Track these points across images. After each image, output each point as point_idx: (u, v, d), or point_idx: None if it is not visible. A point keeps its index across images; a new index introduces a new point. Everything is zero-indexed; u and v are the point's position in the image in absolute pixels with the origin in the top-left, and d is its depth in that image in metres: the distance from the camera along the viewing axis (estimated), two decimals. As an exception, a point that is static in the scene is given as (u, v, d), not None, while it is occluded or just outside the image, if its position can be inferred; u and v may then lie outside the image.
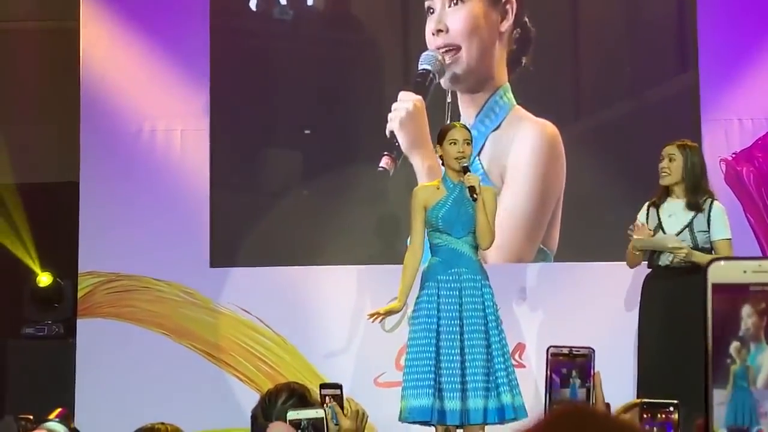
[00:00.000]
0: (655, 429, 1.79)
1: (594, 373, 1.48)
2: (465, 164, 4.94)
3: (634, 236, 5.03)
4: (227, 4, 6.50)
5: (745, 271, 0.87)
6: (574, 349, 1.49)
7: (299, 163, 6.39)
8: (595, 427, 0.59)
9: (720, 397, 0.86)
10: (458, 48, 6.23)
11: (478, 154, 6.10)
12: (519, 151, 6.15)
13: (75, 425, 5.68)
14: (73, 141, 6.32)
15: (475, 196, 4.85)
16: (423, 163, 6.13)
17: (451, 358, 4.86)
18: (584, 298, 5.98)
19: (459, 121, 5.98)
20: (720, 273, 0.88)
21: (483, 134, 6.17)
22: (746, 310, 0.86)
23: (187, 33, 6.39)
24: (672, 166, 5.06)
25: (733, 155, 5.72)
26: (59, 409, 2.89)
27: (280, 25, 6.43)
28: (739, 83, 6.10)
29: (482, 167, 6.12)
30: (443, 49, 6.23)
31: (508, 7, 6.26)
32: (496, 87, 6.25)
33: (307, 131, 6.29)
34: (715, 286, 0.87)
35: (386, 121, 6.23)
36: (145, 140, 6.34)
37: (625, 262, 5.25)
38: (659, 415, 1.79)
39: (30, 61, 6.91)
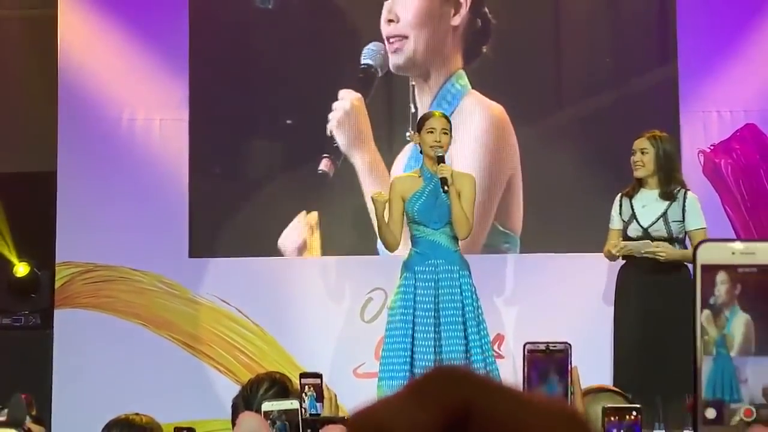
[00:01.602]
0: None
1: (571, 369, 1.48)
2: (440, 154, 4.94)
3: (614, 251, 5.05)
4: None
5: (733, 252, 0.87)
6: (550, 344, 1.48)
7: (278, 154, 6.37)
8: (471, 384, 0.57)
9: (707, 364, 0.87)
10: (406, 37, 6.22)
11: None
12: (462, 135, 6.14)
13: (49, 414, 5.65)
14: (51, 130, 6.28)
15: (445, 188, 4.85)
16: (363, 161, 6.12)
17: (425, 350, 4.88)
18: (564, 288, 5.98)
19: (416, 109, 6.01)
20: (709, 254, 0.88)
21: None
22: (720, 276, 0.86)
23: (166, 21, 6.36)
24: (645, 159, 5.10)
25: (711, 147, 5.74)
26: (22, 396, 2.87)
27: (260, 14, 6.40)
28: (718, 75, 6.11)
29: None
30: (393, 39, 6.21)
31: (461, 0, 6.24)
32: (448, 74, 6.23)
33: (288, 121, 6.26)
34: (704, 267, 0.87)
35: (368, 108, 6.22)
36: (123, 130, 6.30)
37: (603, 253, 5.29)
38: (627, 417, 1.80)
39: (7, 49, 6.84)
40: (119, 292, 6.20)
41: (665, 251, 4.96)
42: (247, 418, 1.69)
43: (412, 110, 6.13)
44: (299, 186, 6.25)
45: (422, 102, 6.20)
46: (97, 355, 6.06)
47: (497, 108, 6.17)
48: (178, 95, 6.31)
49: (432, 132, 4.95)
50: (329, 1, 6.45)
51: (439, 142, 4.93)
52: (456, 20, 6.23)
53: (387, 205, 5.03)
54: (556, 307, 5.94)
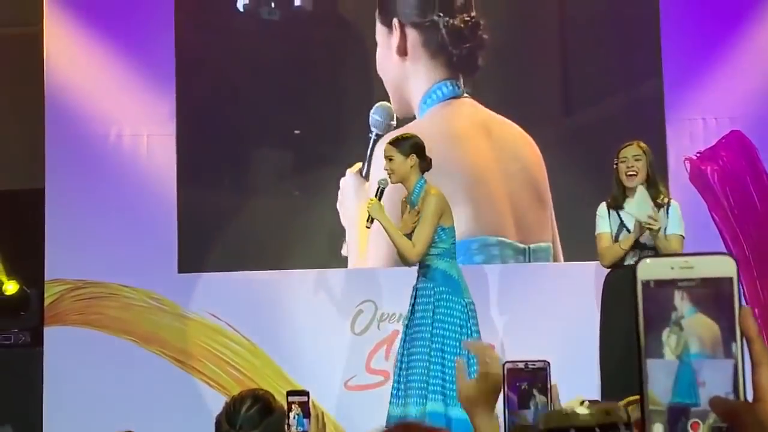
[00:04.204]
0: None
1: (551, 386, 1.49)
2: (382, 186, 5.06)
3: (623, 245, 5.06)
4: (192, 9, 6.46)
5: (672, 268, 0.89)
6: (529, 363, 1.49)
7: (266, 168, 6.37)
8: None
9: (659, 368, 0.88)
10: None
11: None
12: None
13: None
14: (39, 147, 6.28)
15: (367, 224, 4.99)
16: (354, 241, 6.13)
17: (399, 365, 4.94)
18: (557, 298, 5.97)
19: None
20: (648, 271, 0.90)
21: None
22: (678, 293, 0.89)
23: (152, 37, 6.36)
24: (638, 165, 5.13)
25: (698, 154, 5.75)
26: None
27: (248, 27, 6.41)
28: (703, 83, 6.14)
29: None
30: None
31: (395, 24, 6.23)
32: (421, 95, 6.22)
33: (297, 131, 6.27)
34: (644, 283, 0.89)
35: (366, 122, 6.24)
36: (111, 146, 6.30)
37: (595, 262, 5.30)
38: None
39: (-7, 67, 6.85)
40: (109, 309, 6.19)
41: (659, 226, 4.98)
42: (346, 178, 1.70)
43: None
44: (287, 200, 6.25)
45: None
46: (88, 372, 6.05)
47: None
48: (165, 110, 6.31)
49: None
50: (320, 13, 6.46)
51: (387, 170, 5.02)
52: (394, 48, 6.22)
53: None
54: (549, 316, 5.93)
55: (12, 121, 6.81)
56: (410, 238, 4.98)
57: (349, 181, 6.14)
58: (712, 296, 0.87)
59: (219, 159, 6.33)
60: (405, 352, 4.93)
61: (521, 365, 1.47)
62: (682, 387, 0.88)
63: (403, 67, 6.22)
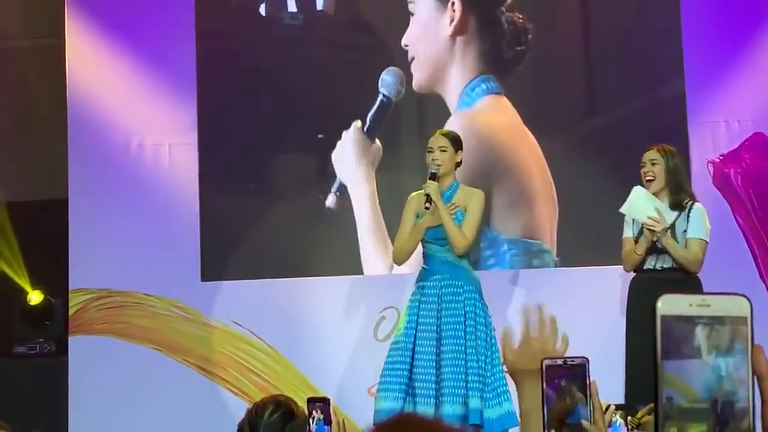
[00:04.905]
0: None
1: (590, 383, 1.48)
2: (433, 171, 4.98)
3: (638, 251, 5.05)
4: (213, 16, 6.49)
5: (690, 305, 0.95)
6: (568, 359, 1.49)
7: (287, 174, 6.38)
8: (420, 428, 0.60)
9: (695, 368, 0.92)
10: (414, 58, 6.22)
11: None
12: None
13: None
14: (61, 158, 6.31)
15: (427, 204, 4.88)
16: (359, 191, 6.12)
17: (426, 363, 4.89)
18: (583, 303, 5.96)
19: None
20: (668, 306, 0.96)
21: None
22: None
23: (173, 46, 6.39)
24: (655, 170, 5.12)
25: (721, 157, 5.74)
26: None
27: (268, 34, 6.43)
28: (725, 86, 6.12)
29: None
30: (410, 63, 6.23)
31: (453, 3, 6.22)
32: (464, 85, 6.20)
33: (320, 135, 6.28)
34: (663, 317, 0.95)
35: (391, 127, 6.24)
36: (133, 155, 6.33)
37: (620, 267, 5.28)
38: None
39: (15, 78, 6.89)
40: (133, 318, 6.21)
41: (662, 228, 4.97)
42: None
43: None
44: (309, 207, 6.26)
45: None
46: (113, 380, 6.07)
47: (486, 125, 6.12)
48: (186, 119, 6.34)
49: (430, 151, 5.03)
50: (343, 17, 6.47)
51: (437, 160, 4.98)
52: (451, 28, 6.22)
53: (405, 216, 5.08)
54: (576, 320, 5.91)
55: (35, 132, 6.85)
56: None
57: (352, 135, 6.15)
58: (727, 334, 0.92)
59: (241, 166, 6.35)
60: (437, 350, 4.89)
61: (560, 361, 1.47)
62: (722, 383, 0.91)
63: (452, 48, 6.19)
